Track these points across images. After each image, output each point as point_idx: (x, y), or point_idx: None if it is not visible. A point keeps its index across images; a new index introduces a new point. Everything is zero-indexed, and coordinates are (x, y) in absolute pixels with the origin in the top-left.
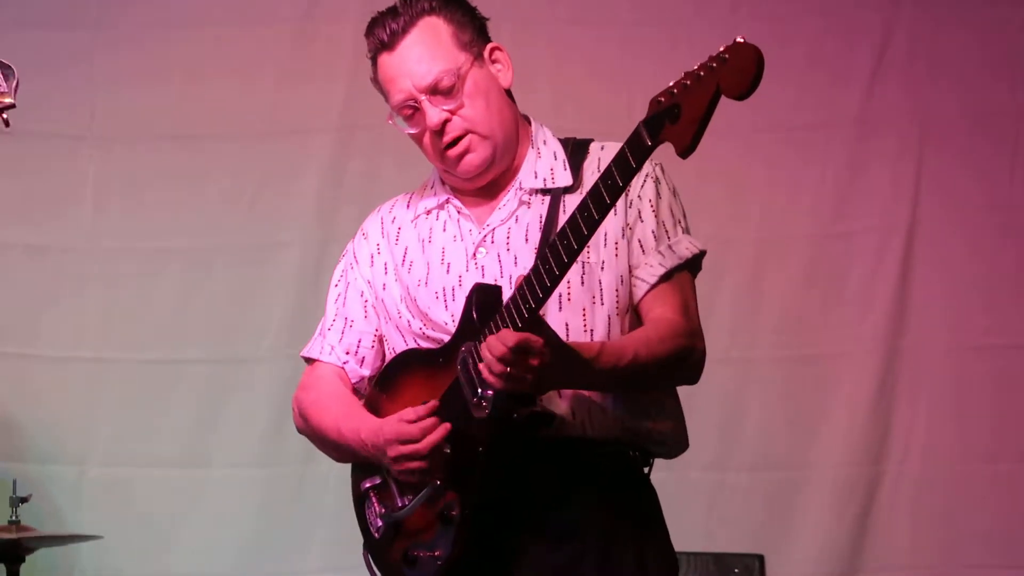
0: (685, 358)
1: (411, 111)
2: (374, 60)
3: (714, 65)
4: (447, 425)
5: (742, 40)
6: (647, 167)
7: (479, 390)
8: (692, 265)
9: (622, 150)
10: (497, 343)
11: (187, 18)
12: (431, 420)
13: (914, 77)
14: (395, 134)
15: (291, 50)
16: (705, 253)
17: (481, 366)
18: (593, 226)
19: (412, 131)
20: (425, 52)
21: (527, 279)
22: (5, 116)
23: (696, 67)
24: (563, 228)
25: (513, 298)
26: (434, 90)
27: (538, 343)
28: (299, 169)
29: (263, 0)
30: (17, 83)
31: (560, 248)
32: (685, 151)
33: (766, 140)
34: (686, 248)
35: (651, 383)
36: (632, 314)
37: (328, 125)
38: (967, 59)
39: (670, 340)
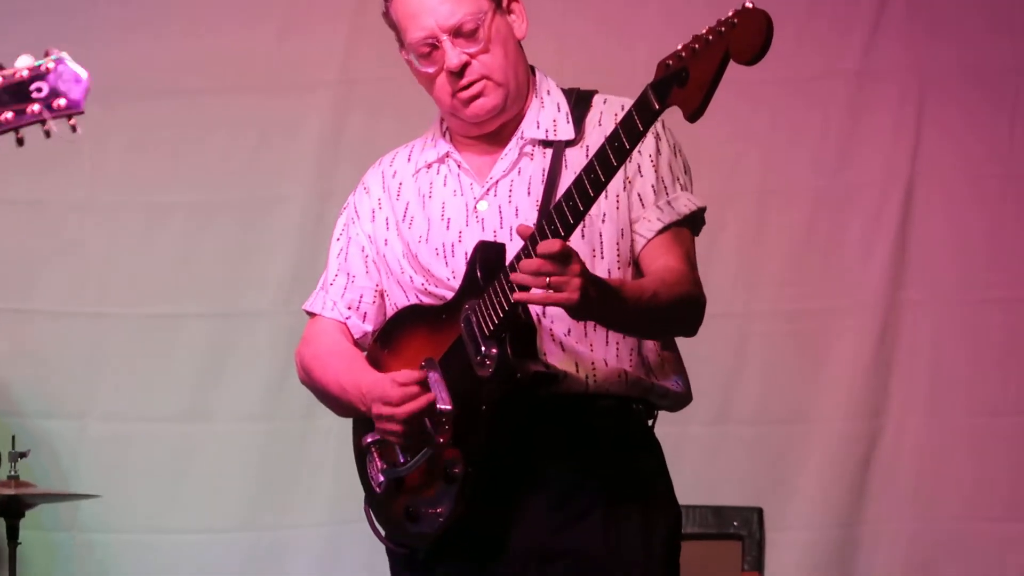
0: (694, 304)
1: (429, 50)
2: None
3: (723, 30)
4: (429, 396)
5: (751, 5)
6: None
7: (483, 348)
8: (691, 223)
9: (629, 113)
10: (534, 259)
11: None
12: (414, 388)
13: (914, 29)
14: (396, 88)
15: (291, 3)
16: (705, 210)
17: (519, 276)
18: (599, 188)
19: (427, 70)
20: None
21: (531, 238)
22: (73, 122)
23: (704, 31)
24: (569, 189)
25: (518, 256)
26: (457, 32)
27: (570, 249)
28: (299, 123)
29: None
30: (87, 89)
31: (566, 209)
32: (693, 115)
33: (767, 91)
34: (684, 205)
35: (664, 325)
36: (633, 268)
37: (328, 79)
38: (967, 11)
39: (680, 285)
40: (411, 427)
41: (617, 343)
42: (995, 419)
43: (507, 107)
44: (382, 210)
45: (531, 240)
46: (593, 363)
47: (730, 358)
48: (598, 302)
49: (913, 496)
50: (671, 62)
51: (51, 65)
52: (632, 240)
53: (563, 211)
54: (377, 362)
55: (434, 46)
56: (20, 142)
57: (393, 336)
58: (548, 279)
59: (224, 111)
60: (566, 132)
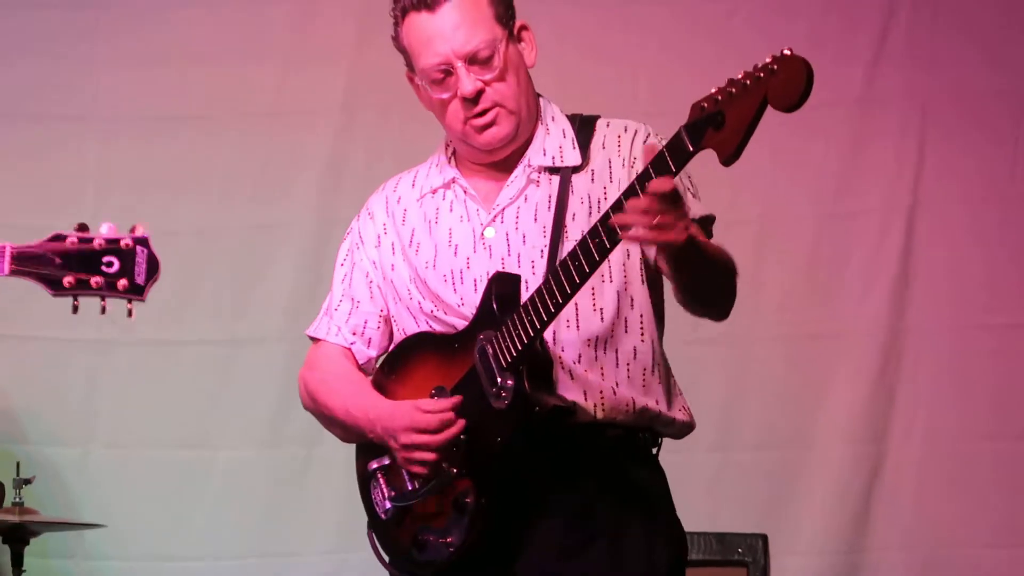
0: (734, 281)
1: (442, 76)
2: (403, 17)
3: (761, 76)
4: (463, 422)
5: (790, 52)
6: (651, 139)
7: (499, 380)
8: (704, 226)
9: (661, 153)
10: (644, 198)
11: (189, 0)
12: (450, 415)
13: (916, 58)
14: (398, 115)
15: (293, 31)
16: (714, 219)
17: (626, 216)
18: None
19: (440, 96)
20: (466, 18)
21: (642, 176)
22: (131, 306)
23: (742, 76)
24: (594, 227)
25: (539, 290)
26: (472, 59)
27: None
28: (302, 150)
29: None
30: (156, 281)
31: (592, 248)
32: (729, 159)
33: (768, 119)
34: (699, 210)
35: (718, 285)
36: (646, 287)
37: (330, 106)
38: (968, 41)
39: (727, 256)
40: (445, 454)
41: (628, 364)
42: (995, 444)
43: (518, 135)
44: (387, 235)
45: (640, 179)
46: (601, 391)
47: (732, 384)
48: (697, 244)
49: (916, 522)
50: (706, 104)
51: (130, 243)
52: (644, 250)
53: (590, 250)
54: (383, 388)
55: (448, 72)
56: (75, 310)
57: (400, 363)
58: (657, 219)
59: (227, 138)
60: (572, 158)
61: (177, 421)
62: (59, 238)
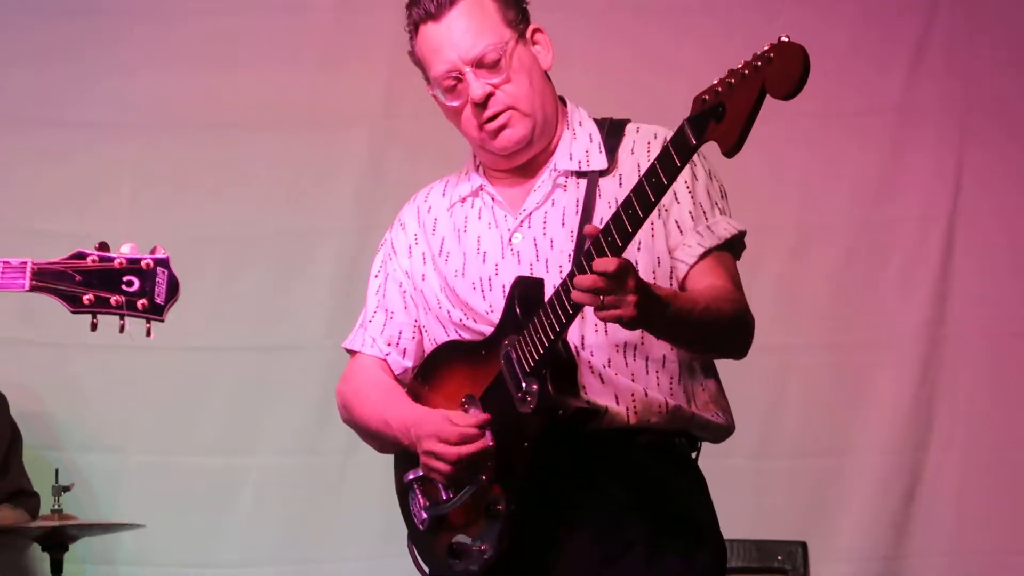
0: (743, 323)
1: (453, 83)
2: (415, 31)
3: (759, 64)
4: (484, 441)
5: (787, 39)
6: None
7: (523, 384)
8: (733, 247)
9: (666, 148)
10: (588, 276)
11: (226, 5)
12: (473, 431)
13: (954, 67)
14: (435, 124)
15: (332, 38)
16: (745, 234)
17: (576, 294)
18: (638, 224)
19: (453, 104)
20: (472, 24)
21: (587, 254)
22: (149, 326)
23: (740, 65)
24: (607, 224)
25: (557, 294)
26: (479, 63)
27: (628, 266)
28: (339, 158)
29: None
30: (175, 302)
31: (604, 246)
32: (730, 150)
33: (807, 125)
34: (724, 229)
35: (714, 340)
36: None
37: (367, 114)
38: (1006, 50)
39: (729, 303)
40: (458, 469)
41: (657, 372)
42: None
43: (535, 138)
44: (418, 245)
45: (586, 256)
46: (633, 394)
47: (771, 391)
48: (653, 315)
49: (956, 529)
50: (707, 97)
51: (151, 263)
52: (673, 267)
53: (601, 247)
54: (418, 398)
55: (458, 79)
56: (93, 327)
57: (432, 372)
58: (602, 297)
59: (265, 146)
60: (599, 162)
61: (214, 428)
62: (80, 256)
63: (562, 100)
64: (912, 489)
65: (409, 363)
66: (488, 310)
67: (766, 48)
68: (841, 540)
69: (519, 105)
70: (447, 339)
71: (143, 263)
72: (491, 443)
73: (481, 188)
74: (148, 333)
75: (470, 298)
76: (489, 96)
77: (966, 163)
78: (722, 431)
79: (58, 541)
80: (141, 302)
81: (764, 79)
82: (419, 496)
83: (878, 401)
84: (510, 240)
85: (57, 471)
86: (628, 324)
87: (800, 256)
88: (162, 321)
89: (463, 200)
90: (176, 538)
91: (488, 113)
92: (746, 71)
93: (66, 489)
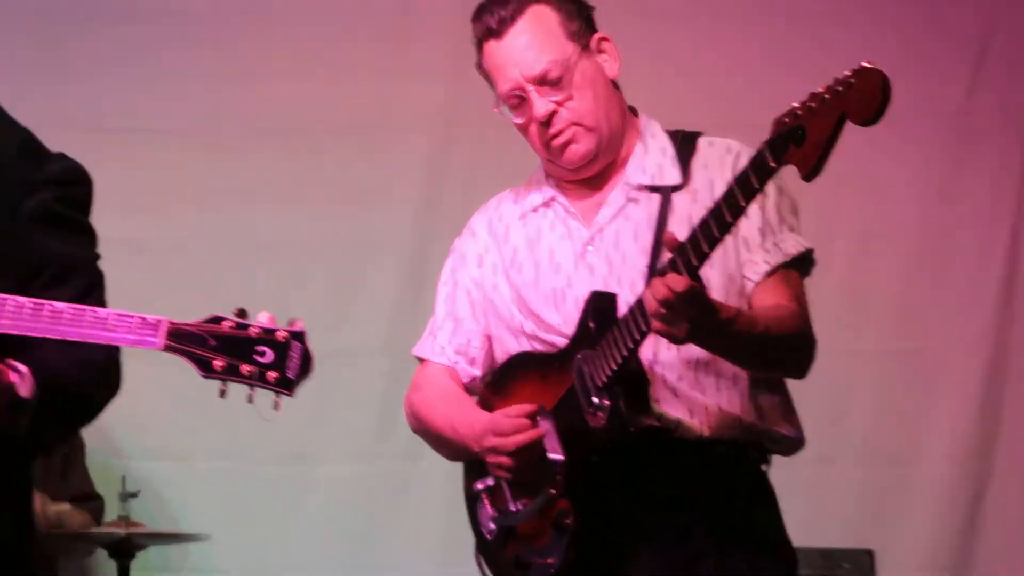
0: (804, 343)
1: (518, 100)
2: (480, 46)
3: (840, 89)
4: (540, 430)
5: (868, 65)
6: None
7: (595, 399)
8: (800, 264)
9: (745, 171)
10: (661, 286)
11: (289, 15)
12: (524, 421)
13: (1017, 68)
14: (497, 131)
15: (393, 45)
16: (813, 251)
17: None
18: (714, 244)
19: (518, 121)
20: (533, 41)
21: (661, 271)
22: (278, 399)
23: (822, 90)
24: (683, 244)
25: (631, 312)
26: (542, 81)
27: (699, 296)
28: (400, 164)
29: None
30: (307, 378)
31: (680, 264)
32: (809, 174)
33: (871, 131)
34: (792, 246)
35: (774, 361)
36: None
37: (430, 122)
38: None
39: (790, 322)
40: (520, 461)
41: (728, 388)
42: None
43: (601, 152)
44: (489, 255)
45: (660, 272)
46: (707, 408)
47: (837, 399)
48: (706, 338)
49: (1022, 537)
50: (787, 120)
51: (287, 335)
52: (743, 284)
53: (676, 265)
54: (488, 407)
55: (522, 97)
56: (222, 394)
57: (505, 382)
58: (663, 309)
59: (329, 152)
60: (673, 177)
61: (279, 435)
62: (216, 320)
63: (633, 110)
64: (979, 497)
65: (477, 372)
66: (560, 322)
67: (847, 73)
68: (907, 549)
69: (583, 120)
70: (519, 350)
71: (278, 335)
72: (545, 430)
73: (553, 199)
74: (276, 406)
75: (542, 310)
76: (553, 114)
77: None
78: (793, 444)
79: (126, 549)
80: (272, 374)
81: (845, 104)
82: (487, 506)
83: (945, 408)
84: (583, 253)
85: (124, 478)
86: (675, 342)
87: (865, 262)
88: (291, 396)
89: (535, 210)
90: (242, 545)
91: (552, 131)
92: (827, 95)
93: (133, 495)
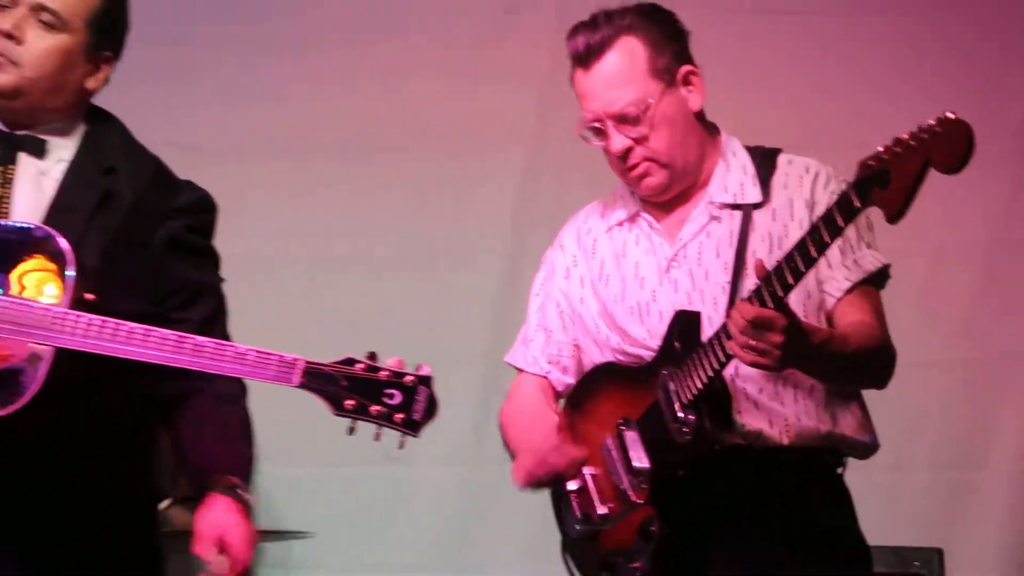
0: (887, 359)
1: (598, 130)
2: (572, 68)
3: (925, 137)
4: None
5: (952, 116)
6: (832, 184)
7: (680, 415)
8: (878, 280)
9: (830, 211)
10: (737, 316)
11: (380, 24)
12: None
13: None
14: (586, 145)
15: (485, 56)
16: (890, 266)
17: (731, 341)
18: (799, 276)
19: (598, 144)
20: (616, 78)
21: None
22: (404, 440)
23: (907, 135)
24: (769, 274)
25: (717, 335)
26: (621, 118)
27: (779, 320)
28: (495, 179)
29: (459, 8)
30: (432, 421)
31: (765, 294)
32: (893, 217)
33: None
34: (870, 262)
35: (858, 377)
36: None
37: (523, 136)
38: None
39: (876, 339)
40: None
41: (806, 399)
42: None
43: (675, 182)
44: (577, 268)
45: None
46: (786, 419)
47: (909, 406)
48: (806, 359)
49: None
50: (872, 163)
51: (414, 379)
52: (821, 299)
53: (762, 296)
54: (570, 419)
55: (600, 129)
56: (351, 431)
57: (588, 394)
58: (750, 340)
59: (420, 167)
60: (754, 195)
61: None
62: (349, 362)
63: (714, 127)
64: None
65: (571, 379)
66: (645, 336)
67: (932, 122)
68: (975, 548)
69: (658, 157)
70: (602, 360)
71: (407, 379)
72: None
73: (638, 213)
74: (401, 446)
75: (628, 324)
76: (629, 149)
77: None
78: (869, 449)
79: None
80: (399, 416)
81: (929, 152)
82: (575, 508)
83: (1011, 415)
84: (667, 268)
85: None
86: (773, 371)
87: (936, 273)
88: (416, 436)
89: (620, 224)
90: (342, 544)
91: (627, 164)
92: (912, 142)
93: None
